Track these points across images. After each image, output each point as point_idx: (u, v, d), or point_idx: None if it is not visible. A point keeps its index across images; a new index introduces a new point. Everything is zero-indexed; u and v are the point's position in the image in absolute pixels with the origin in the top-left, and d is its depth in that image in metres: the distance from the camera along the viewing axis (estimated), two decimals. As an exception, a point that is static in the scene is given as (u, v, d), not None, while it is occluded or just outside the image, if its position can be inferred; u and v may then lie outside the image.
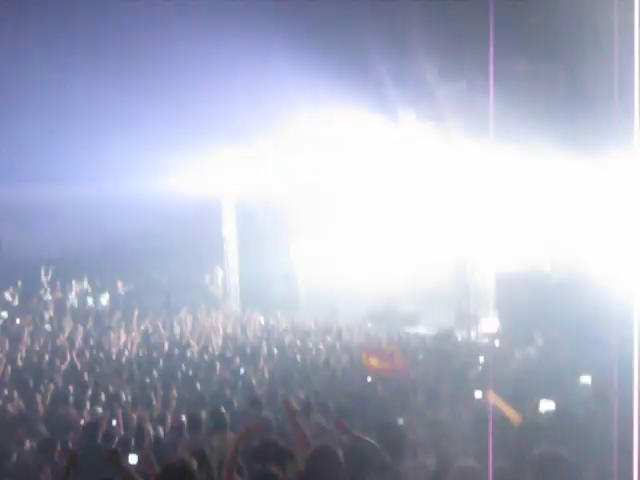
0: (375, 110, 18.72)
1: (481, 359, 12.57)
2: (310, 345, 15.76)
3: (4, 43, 17.94)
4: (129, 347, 15.73)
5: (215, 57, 17.40)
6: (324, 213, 24.23)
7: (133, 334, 17.19)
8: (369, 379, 11.87)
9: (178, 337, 17.27)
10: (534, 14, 15.34)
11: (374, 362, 13.12)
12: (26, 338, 15.92)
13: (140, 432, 8.90)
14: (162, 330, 17.74)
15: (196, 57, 17.91)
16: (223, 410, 8.84)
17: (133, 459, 7.47)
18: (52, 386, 11.57)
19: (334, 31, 17.15)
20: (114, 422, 9.47)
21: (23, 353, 14.58)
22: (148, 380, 12.52)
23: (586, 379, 9.36)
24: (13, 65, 18.97)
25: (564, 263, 17.32)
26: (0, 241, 26.30)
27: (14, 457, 7.79)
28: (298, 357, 14.29)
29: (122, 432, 9.18)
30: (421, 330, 18.00)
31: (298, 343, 16.07)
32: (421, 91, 17.73)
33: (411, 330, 18.20)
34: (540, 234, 18.60)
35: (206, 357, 14.64)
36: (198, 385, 12.18)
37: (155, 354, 15.05)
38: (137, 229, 24.94)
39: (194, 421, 8.85)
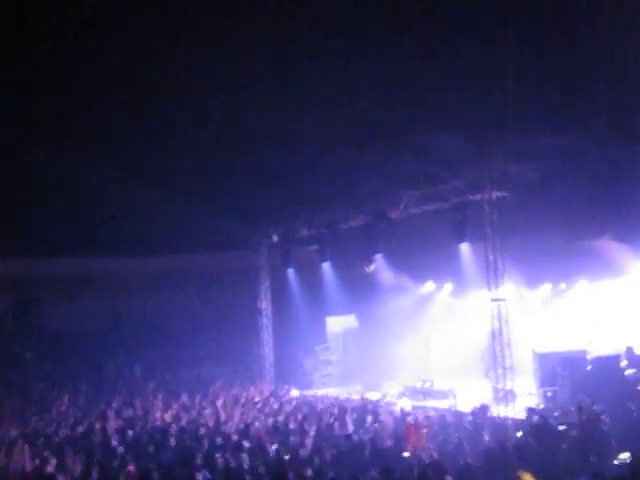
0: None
1: (518, 434, 12.27)
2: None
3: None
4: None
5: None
6: (358, 289, 24.38)
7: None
8: (406, 454, 11.69)
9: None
10: None
11: (414, 437, 13.06)
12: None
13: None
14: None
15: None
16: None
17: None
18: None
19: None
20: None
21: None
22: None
23: (625, 456, 9.07)
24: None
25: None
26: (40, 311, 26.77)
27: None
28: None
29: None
30: (457, 406, 17.63)
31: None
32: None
33: (446, 405, 17.87)
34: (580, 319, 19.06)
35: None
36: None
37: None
38: (174, 301, 25.29)
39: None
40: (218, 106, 15.51)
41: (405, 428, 13.49)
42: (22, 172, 18.38)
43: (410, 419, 14.49)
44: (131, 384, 21.84)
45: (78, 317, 25.59)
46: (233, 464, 11.89)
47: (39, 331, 26.49)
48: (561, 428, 12.68)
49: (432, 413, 15.33)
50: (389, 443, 13.12)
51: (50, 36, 12.42)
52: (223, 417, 16.69)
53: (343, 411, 16.41)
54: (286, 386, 21.74)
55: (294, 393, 20.83)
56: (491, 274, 18.33)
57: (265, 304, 25.55)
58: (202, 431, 14.89)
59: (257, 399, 19.41)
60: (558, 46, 13.52)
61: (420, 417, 14.61)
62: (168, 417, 16.85)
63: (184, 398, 19.20)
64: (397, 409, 16.98)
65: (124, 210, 22.10)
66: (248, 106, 15.80)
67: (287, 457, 12.31)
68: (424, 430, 13.01)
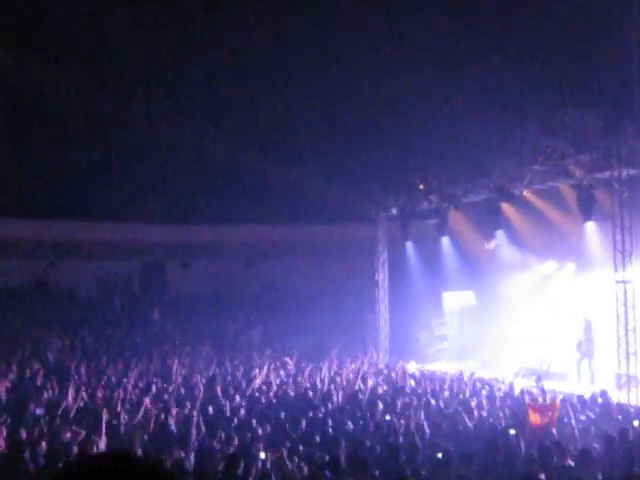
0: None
1: (635, 423, 11.85)
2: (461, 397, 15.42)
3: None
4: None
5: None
6: (477, 265, 24.07)
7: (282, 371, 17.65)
8: (512, 432, 11.52)
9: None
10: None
11: (535, 418, 12.84)
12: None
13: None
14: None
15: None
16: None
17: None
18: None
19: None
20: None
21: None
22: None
23: None
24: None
25: None
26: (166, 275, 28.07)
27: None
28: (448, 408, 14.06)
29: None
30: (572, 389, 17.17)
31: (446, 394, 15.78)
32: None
33: (562, 388, 17.43)
34: None
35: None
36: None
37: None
38: (291, 270, 25.83)
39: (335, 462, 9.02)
40: (340, 78, 15.64)
41: (528, 409, 13.27)
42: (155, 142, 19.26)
43: (533, 400, 14.25)
44: (249, 349, 22.52)
45: (197, 282, 26.61)
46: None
47: (163, 294, 27.80)
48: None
49: (560, 396, 14.93)
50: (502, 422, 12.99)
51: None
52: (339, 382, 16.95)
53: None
54: (401, 361, 21.78)
55: (411, 367, 20.81)
56: (618, 255, 17.66)
57: (382, 276, 25.63)
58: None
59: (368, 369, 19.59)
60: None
61: (546, 399, 14.28)
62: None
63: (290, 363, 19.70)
64: (516, 389, 16.73)
65: (247, 180, 22.72)
66: (366, 75, 15.85)
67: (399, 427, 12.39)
68: (550, 413, 12.72)
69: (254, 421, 12.67)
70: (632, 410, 14.52)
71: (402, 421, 12.74)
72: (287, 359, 19.78)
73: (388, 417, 13.24)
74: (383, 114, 17.67)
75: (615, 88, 15.07)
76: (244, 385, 16.62)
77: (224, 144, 19.92)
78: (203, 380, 16.77)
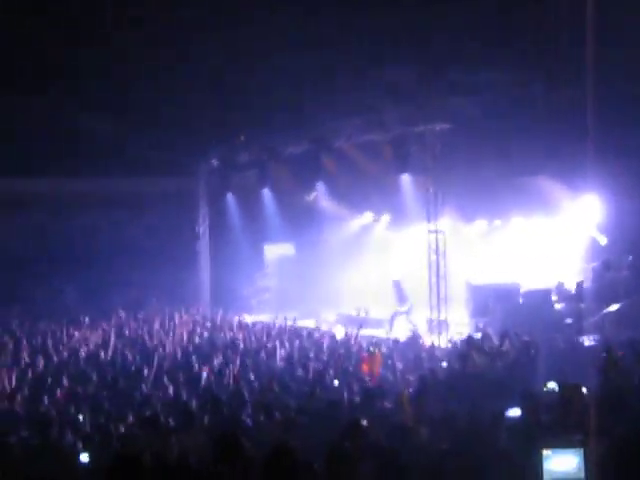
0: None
1: (444, 364, 12.69)
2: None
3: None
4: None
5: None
6: (298, 217, 24.35)
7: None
8: (336, 382, 11.90)
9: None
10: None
11: (365, 367, 13.35)
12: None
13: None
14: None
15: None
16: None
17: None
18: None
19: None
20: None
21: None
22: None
23: (552, 385, 9.41)
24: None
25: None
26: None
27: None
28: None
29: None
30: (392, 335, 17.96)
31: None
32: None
33: (379, 334, 18.19)
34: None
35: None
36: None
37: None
38: (108, 225, 24.83)
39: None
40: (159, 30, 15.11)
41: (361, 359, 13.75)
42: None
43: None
44: (65, 309, 21.50)
45: (5, 237, 24.84)
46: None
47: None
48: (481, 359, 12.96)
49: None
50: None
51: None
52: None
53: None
54: (221, 311, 21.74)
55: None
56: (430, 207, 18.53)
57: (203, 229, 25.36)
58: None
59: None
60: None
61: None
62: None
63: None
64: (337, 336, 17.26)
65: (56, 129, 21.42)
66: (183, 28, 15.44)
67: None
68: (375, 362, 13.27)
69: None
70: (440, 352, 15.47)
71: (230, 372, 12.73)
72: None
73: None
74: (201, 67, 17.25)
75: (428, 47, 15.62)
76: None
77: (39, 94, 18.60)
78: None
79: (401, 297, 19.93)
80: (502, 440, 7.28)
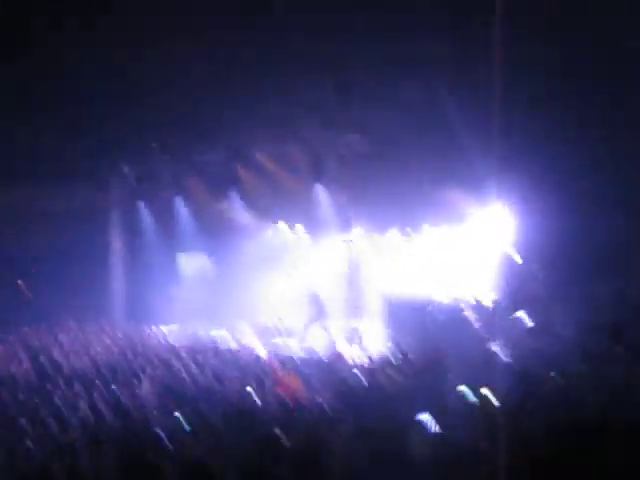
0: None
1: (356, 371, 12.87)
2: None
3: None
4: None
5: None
6: (211, 227, 24.15)
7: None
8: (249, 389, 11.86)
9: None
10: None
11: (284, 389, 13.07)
12: None
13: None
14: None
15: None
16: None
17: None
18: None
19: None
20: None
21: None
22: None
23: (463, 388, 9.70)
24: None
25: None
26: None
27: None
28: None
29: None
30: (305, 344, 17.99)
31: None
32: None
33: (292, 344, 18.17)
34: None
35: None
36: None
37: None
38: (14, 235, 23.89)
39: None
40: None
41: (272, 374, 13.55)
42: None
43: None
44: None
45: None
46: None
47: None
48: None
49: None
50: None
51: None
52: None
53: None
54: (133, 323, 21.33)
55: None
56: (343, 217, 18.72)
57: (116, 239, 24.81)
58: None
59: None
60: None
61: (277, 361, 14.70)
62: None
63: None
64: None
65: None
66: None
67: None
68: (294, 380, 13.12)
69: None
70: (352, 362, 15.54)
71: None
72: None
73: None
74: (115, 70, 16.85)
75: (345, 58, 15.80)
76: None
77: None
78: None
79: (320, 311, 19.90)
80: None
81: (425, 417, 8.33)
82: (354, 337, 18.10)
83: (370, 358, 15.09)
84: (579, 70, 14.89)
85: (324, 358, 15.63)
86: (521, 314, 16.26)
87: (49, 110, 18.89)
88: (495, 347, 14.90)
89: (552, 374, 10.29)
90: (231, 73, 16.74)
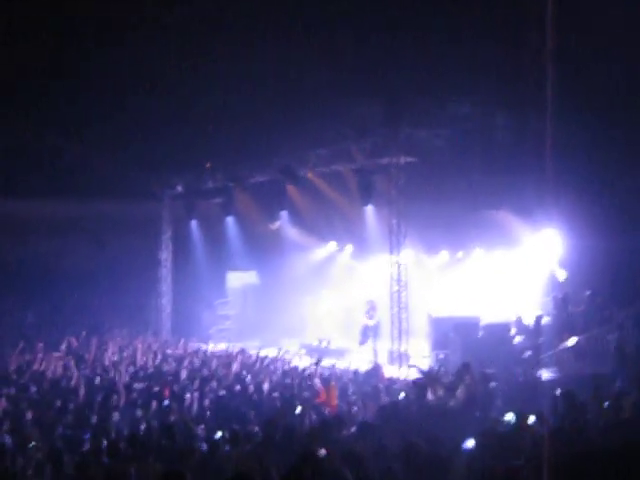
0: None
1: (402, 395, 12.70)
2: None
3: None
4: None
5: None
6: (261, 245, 24.33)
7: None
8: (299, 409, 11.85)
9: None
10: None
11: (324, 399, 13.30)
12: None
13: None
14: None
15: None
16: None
17: None
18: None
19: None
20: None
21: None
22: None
23: (510, 416, 9.45)
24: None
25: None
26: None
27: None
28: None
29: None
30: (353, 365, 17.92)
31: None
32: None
33: (342, 365, 18.12)
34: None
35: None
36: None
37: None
38: (69, 249, 24.38)
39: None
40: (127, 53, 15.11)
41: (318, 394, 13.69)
42: None
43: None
44: (23, 331, 21.04)
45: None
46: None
47: None
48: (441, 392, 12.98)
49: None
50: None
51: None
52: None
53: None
54: (182, 339, 21.49)
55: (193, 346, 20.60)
56: (393, 238, 18.66)
57: (166, 255, 25.18)
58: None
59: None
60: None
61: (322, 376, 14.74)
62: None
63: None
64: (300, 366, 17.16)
65: (20, 151, 21.09)
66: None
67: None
68: (333, 387, 13.25)
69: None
70: (399, 383, 15.45)
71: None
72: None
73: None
74: (169, 93, 17.25)
75: (394, 81, 15.89)
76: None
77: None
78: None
79: (371, 315, 19.86)
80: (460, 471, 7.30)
81: (471, 443, 8.15)
82: (401, 359, 17.99)
83: (416, 377, 14.96)
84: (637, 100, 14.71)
85: (369, 377, 15.59)
86: (571, 338, 15.99)
87: (111, 131, 19.42)
88: (544, 372, 14.67)
89: (605, 404, 10.04)
90: (284, 95, 16.97)
